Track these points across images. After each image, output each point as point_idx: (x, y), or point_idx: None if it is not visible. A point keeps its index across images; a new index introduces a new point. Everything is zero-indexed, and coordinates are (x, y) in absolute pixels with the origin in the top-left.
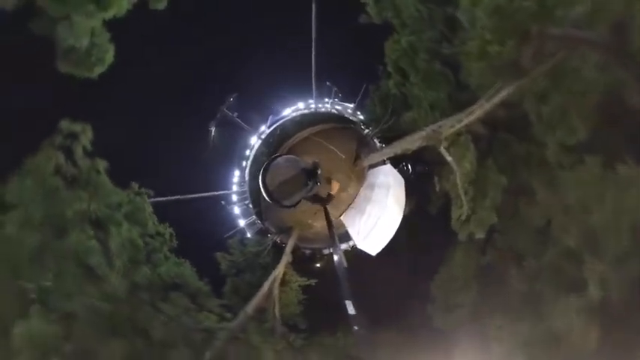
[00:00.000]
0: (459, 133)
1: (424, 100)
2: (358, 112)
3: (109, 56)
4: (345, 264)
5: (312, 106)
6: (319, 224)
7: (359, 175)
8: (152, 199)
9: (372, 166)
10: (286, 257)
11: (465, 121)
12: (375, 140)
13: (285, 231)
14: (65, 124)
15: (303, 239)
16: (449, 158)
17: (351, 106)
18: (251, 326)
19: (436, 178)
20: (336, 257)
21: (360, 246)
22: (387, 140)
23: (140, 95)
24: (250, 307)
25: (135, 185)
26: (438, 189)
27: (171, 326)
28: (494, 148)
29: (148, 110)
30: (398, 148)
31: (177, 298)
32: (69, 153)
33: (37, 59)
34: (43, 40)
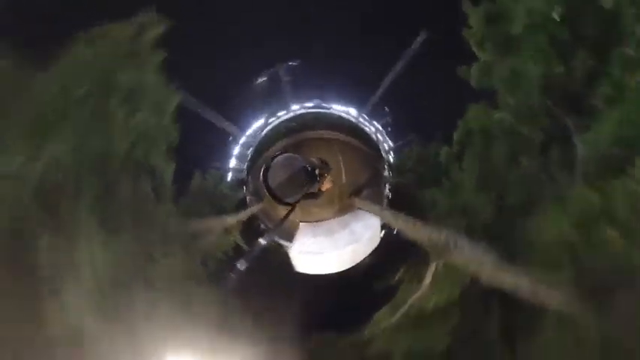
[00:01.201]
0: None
1: (464, 195)
2: (392, 154)
3: None
4: (274, 239)
5: (356, 117)
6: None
7: (344, 204)
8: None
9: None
10: (241, 216)
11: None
12: (387, 187)
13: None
14: None
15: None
16: (428, 279)
17: (391, 144)
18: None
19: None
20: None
21: (291, 254)
22: (399, 196)
23: None
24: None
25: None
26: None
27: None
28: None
29: None
30: (399, 224)
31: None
32: None
33: None
34: None
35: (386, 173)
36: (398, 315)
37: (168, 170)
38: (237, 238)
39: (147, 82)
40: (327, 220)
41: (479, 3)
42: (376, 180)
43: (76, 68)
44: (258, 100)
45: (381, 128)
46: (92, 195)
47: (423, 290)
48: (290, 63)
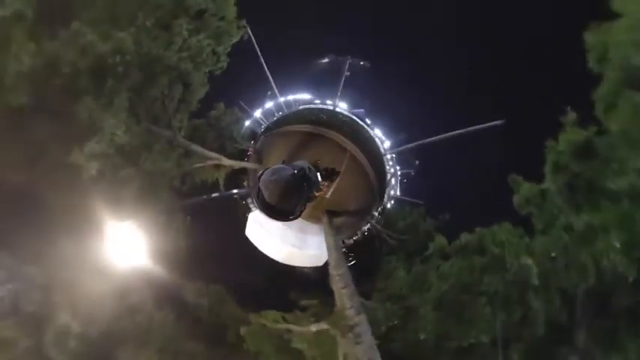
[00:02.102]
0: None
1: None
2: (392, 202)
3: None
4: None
5: (385, 150)
6: None
7: (315, 213)
8: None
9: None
10: (235, 164)
11: None
12: (371, 228)
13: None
14: None
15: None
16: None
17: (398, 193)
18: None
19: None
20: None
21: (248, 217)
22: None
23: None
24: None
25: None
26: None
27: None
28: None
29: None
30: (334, 271)
31: None
32: None
33: None
34: None
35: (375, 214)
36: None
37: (201, 90)
38: (220, 178)
39: (218, 10)
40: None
41: None
42: (360, 214)
43: None
44: (309, 76)
45: (399, 174)
46: (133, 82)
47: (305, 332)
48: (359, 61)
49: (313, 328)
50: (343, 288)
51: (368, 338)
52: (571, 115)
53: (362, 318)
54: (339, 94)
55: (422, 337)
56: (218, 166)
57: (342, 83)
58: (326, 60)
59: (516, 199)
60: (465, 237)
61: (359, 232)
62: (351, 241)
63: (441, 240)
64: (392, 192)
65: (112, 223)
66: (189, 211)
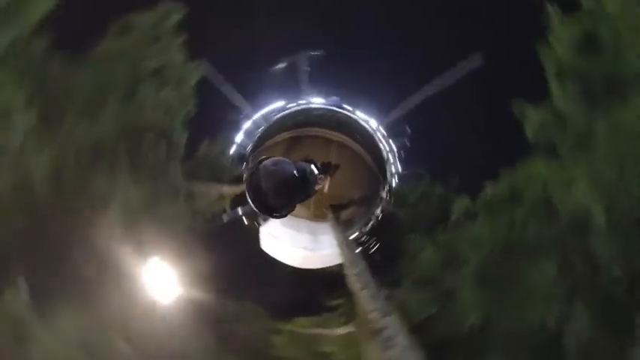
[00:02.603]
0: None
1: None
2: (396, 177)
3: None
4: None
5: (374, 130)
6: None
7: (320, 212)
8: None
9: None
10: (236, 189)
11: None
12: (380, 209)
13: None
14: None
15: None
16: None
17: (399, 169)
18: None
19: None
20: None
21: (261, 231)
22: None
23: None
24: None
25: None
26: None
27: None
28: None
29: None
30: (349, 272)
31: None
32: None
33: None
34: None
35: (384, 195)
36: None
37: (182, 137)
38: (227, 206)
39: (171, 62)
40: (300, 217)
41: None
42: (367, 200)
43: (110, 57)
44: (274, 84)
45: (395, 149)
46: (126, 152)
47: (333, 335)
48: (311, 53)
49: (340, 330)
50: (362, 289)
51: (401, 340)
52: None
53: (390, 320)
54: (307, 90)
55: (466, 324)
56: (222, 197)
57: (305, 79)
58: (282, 64)
59: (529, 129)
60: (490, 188)
61: (372, 218)
62: (367, 229)
63: (463, 201)
64: (392, 169)
65: (139, 263)
66: (207, 239)
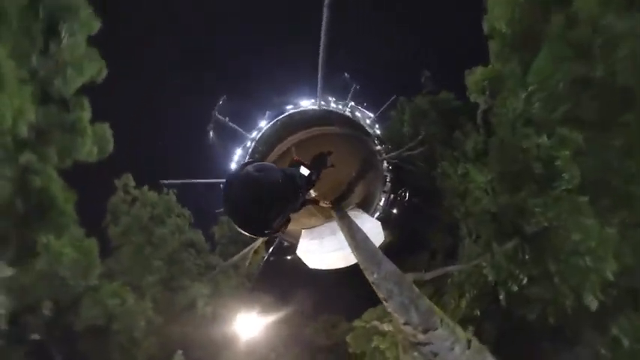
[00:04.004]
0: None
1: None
2: (377, 126)
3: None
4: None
5: (317, 103)
6: (305, 221)
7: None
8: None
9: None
10: (259, 240)
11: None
12: (386, 165)
13: None
14: None
15: (287, 233)
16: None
17: (372, 115)
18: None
19: None
20: None
21: (298, 253)
22: (400, 172)
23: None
24: (228, 263)
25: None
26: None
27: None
28: None
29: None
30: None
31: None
32: None
33: None
34: None
35: (380, 150)
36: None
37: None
38: (263, 253)
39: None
40: (318, 225)
41: None
42: (372, 158)
43: None
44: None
45: (358, 107)
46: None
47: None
48: (219, 102)
49: (386, 327)
50: (385, 300)
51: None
52: None
53: (433, 335)
54: (240, 131)
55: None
56: (257, 251)
57: (232, 125)
58: (210, 129)
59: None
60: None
61: (386, 179)
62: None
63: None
64: (368, 121)
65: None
66: (266, 283)
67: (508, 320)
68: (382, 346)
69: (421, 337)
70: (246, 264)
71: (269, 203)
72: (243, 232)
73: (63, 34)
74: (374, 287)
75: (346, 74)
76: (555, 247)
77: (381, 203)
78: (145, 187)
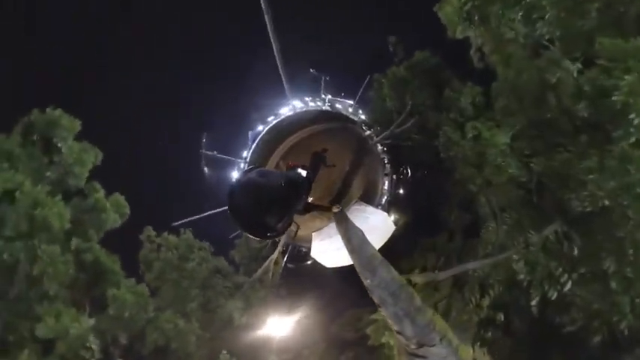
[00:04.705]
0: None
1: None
2: (360, 111)
3: None
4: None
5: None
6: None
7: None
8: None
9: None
10: (281, 246)
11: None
12: (380, 148)
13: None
14: None
15: (299, 238)
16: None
17: (351, 102)
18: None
19: None
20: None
21: (313, 256)
22: (397, 150)
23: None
24: (253, 278)
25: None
26: None
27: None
28: None
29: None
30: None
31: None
32: None
33: None
34: None
35: (368, 132)
36: None
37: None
38: (282, 262)
39: None
40: (325, 226)
41: None
42: (364, 144)
43: None
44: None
45: (336, 99)
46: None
47: None
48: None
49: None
50: (379, 306)
51: None
52: None
53: (429, 351)
54: (231, 159)
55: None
56: (276, 262)
57: (221, 155)
58: (204, 166)
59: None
60: None
61: (384, 161)
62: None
63: None
64: (350, 109)
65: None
66: (289, 288)
67: (541, 326)
68: (391, 342)
69: (414, 348)
70: (270, 276)
71: (270, 207)
72: (249, 235)
73: (59, 145)
74: (368, 292)
75: (312, 70)
76: (615, 236)
77: (386, 187)
78: (165, 234)
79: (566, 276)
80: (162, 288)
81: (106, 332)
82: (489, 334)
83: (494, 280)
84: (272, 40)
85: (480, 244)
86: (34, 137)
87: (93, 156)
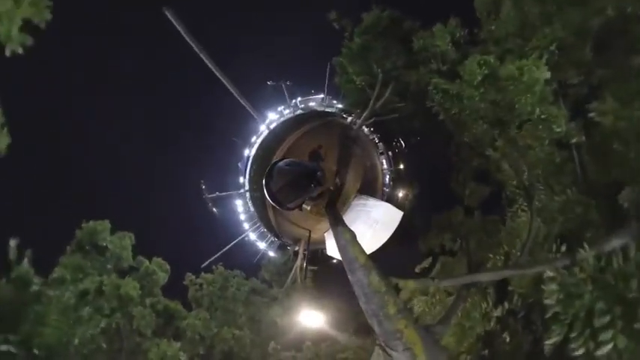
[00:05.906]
0: None
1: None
2: (334, 101)
3: None
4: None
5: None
6: (324, 227)
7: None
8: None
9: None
10: (302, 253)
11: None
12: (366, 130)
13: (299, 239)
14: None
15: (315, 241)
16: None
17: (321, 96)
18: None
19: None
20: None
21: (329, 253)
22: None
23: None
24: (285, 287)
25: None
26: None
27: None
28: None
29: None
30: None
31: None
32: None
33: None
34: None
35: (349, 119)
36: None
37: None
38: (305, 268)
39: None
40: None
41: None
42: (349, 132)
43: None
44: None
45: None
46: None
47: None
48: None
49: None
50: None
51: None
52: None
53: (392, 353)
54: (233, 193)
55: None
56: (301, 268)
57: (222, 193)
58: (213, 208)
59: None
60: None
61: (375, 141)
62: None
63: None
64: (323, 103)
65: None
66: (318, 284)
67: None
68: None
69: (382, 344)
70: (298, 282)
71: (289, 186)
72: (274, 205)
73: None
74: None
75: (269, 82)
76: None
77: (385, 166)
78: (202, 274)
79: (612, 332)
80: (215, 314)
81: (187, 351)
82: (485, 351)
83: (515, 288)
84: (219, 76)
85: (503, 230)
86: (87, 248)
87: (128, 238)
